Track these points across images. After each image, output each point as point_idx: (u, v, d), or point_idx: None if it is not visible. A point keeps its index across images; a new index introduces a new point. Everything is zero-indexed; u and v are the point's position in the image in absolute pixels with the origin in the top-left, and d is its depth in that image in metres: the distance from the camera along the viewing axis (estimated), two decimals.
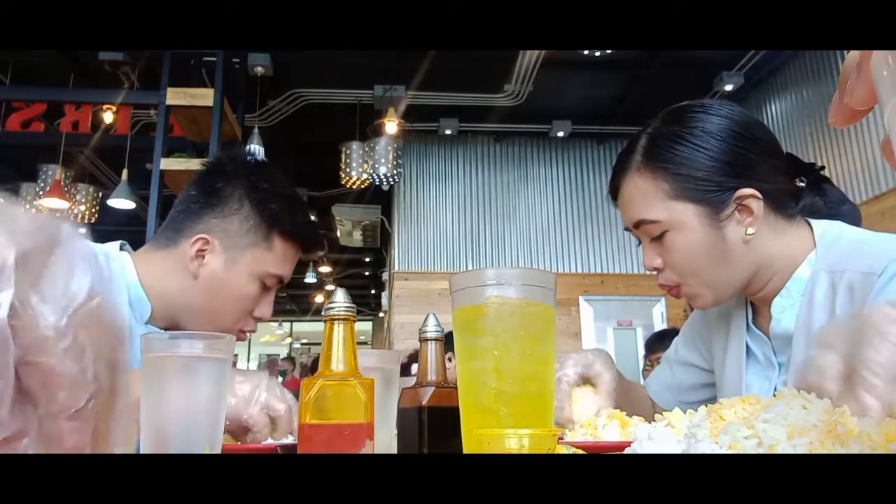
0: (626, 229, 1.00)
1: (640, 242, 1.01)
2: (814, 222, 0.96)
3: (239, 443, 0.89)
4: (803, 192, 1.01)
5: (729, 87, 5.69)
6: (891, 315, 0.47)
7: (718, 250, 0.91)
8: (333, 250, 10.00)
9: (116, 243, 1.12)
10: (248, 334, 1.17)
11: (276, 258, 1.13)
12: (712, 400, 1.15)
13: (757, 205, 0.90)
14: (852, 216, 1.07)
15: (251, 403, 0.88)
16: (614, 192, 1.01)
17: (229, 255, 1.10)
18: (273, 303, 1.17)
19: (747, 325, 1.03)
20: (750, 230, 0.91)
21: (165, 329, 1.11)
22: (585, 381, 0.96)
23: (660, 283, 0.98)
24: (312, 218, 1.28)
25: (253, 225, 1.11)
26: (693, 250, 0.92)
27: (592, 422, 0.85)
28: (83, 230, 6.96)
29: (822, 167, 1.08)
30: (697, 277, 0.94)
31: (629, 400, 1.07)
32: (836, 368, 0.48)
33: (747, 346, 1.02)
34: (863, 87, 0.34)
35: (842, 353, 0.49)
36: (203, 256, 1.09)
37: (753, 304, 1.03)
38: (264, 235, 1.11)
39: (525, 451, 0.55)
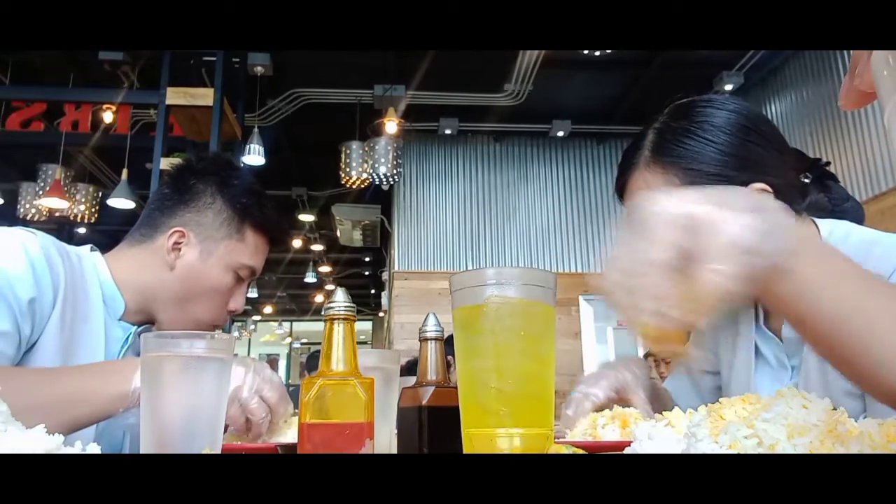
0: None
1: None
2: (819, 221, 0.95)
3: None
4: (808, 188, 1.00)
5: (729, 87, 5.69)
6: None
7: None
8: (333, 250, 10.00)
9: (87, 246, 1.15)
10: (219, 328, 1.23)
11: (249, 249, 1.19)
12: None
13: None
14: (856, 214, 1.06)
15: (232, 401, 0.88)
16: (621, 189, 0.99)
17: (204, 247, 1.15)
18: (245, 295, 1.23)
19: (758, 325, 1.01)
20: None
21: (139, 325, 1.15)
22: (617, 401, 0.95)
23: None
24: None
25: (226, 218, 1.17)
26: None
27: (593, 421, 0.85)
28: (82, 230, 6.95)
29: (828, 163, 1.07)
30: None
31: (661, 407, 1.05)
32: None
33: (756, 347, 1.00)
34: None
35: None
36: (179, 249, 1.14)
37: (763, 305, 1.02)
38: (237, 227, 1.17)
39: (515, 451, 0.55)
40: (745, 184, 0.89)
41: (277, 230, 1.25)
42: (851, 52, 0.36)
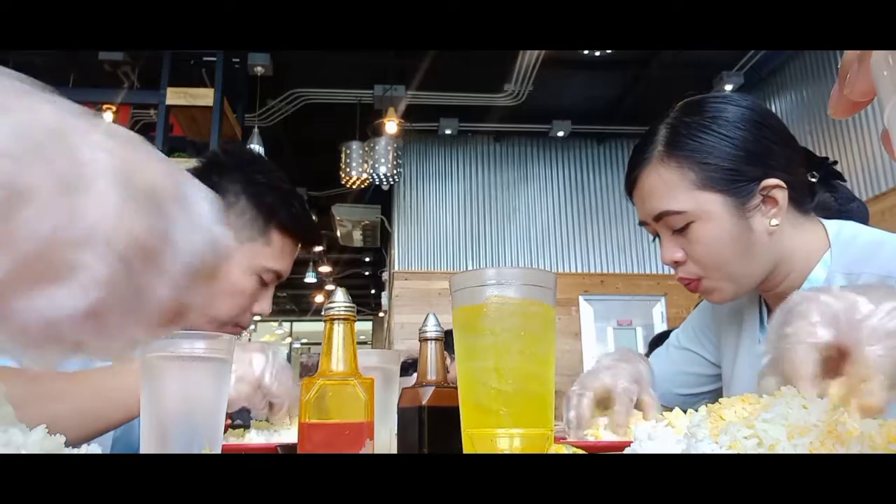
0: (642, 224, 0.98)
1: (654, 238, 0.98)
2: (826, 222, 0.95)
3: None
4: (815, 187, 1.00)
5: (729, 87, 5.69)
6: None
7: (744, 242, 0.89)
8: (333, 250, 10.00)
9: None
10: (243, 330, 1.16)
11: (274, 252, 1.11)
12: (707, 396, 1.14)
13: (782, 195, 0.89)
14: (861, 214, 1.05)
15: (256, 389, 0.88)
16: (631, 185, 0.97)
17: None
18: (272, 298, 1.15)
19: (762, 325, 1.01)
20: (774, 221, 0.89)
21: None
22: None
23: (679, 276, 0.95)
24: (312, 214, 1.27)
25: (250, 219, 1.10)
26: (719, 242, 0.89)
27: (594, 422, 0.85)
28: None
29: (835, 161, 1.07)
30: (721, 270, 0.91)
31: None
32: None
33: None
34: (863, 79, 0.34)
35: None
36: None
37: (769, 305, 1.01)
38: (261, 230, 1.10)
39: (515, 451, 0.55)
40: (759, 179, 0.89)
41: (306, 231, 1.16)
42: (840, 61, 0.36)
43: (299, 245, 1.16)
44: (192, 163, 1.19)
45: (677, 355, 1.16)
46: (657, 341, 3.53)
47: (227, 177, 1.12)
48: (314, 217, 8.22)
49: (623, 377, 0.91)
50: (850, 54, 0.35)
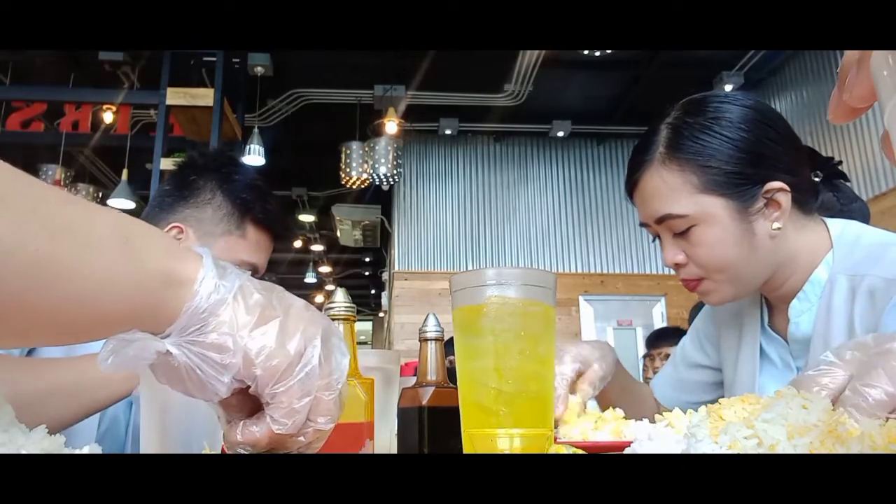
0: (643, 225, 0.97)
1: (654, 239, 0.97)
2: (829, 221, 0.94)
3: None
4: (819, 186, 0.99)
5: (729, 87, 5.70)
6: None
7: (747, 245, 0.88)
8: (333, 250, 10.00)
9: None
10: None
11: (250, 246, 1.16)
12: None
13: (785, 198, 0.87)
14: (863, 214, 1.04)
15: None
16: (632, 187, 0.96)
17: (203, 243, 1.12)
18: None
19: (763, 326, 1.00)
20: (776, 225, 0.88)
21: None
22: (580, 375, 0.92)
23: (682, 278, 0.94)
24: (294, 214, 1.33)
25: (226, 214, 1.14)
26: (722, 245, 0.88)
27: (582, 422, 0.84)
28: None
29: (840, 161, 1.05)
30: (723, 273, 0.90)
31: (631, 399, 1.05)
32: (837, 384, 0.55)
33: (762, 347, 0.99)
34: (862, 84, 0.34)
35: (848, 373, 0.56)
36: None
37: (769, 305, 1.01)
38: (237, 223, 1.15)
39: (514, 451, 0.55)
40: (762, 182, 0.87)
41: (280, 226, 1.22)
42: (839, 66, 0.36)
43: (273, 240, 1.21)
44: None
45: (683, 365, 1.16)
46: (655, 338, 3.54)
47: (203, 175, 1.17)
48: (313, 217, 8.21)
49: (563, 361, 0.90)
50: (848, 59, 0.35)
